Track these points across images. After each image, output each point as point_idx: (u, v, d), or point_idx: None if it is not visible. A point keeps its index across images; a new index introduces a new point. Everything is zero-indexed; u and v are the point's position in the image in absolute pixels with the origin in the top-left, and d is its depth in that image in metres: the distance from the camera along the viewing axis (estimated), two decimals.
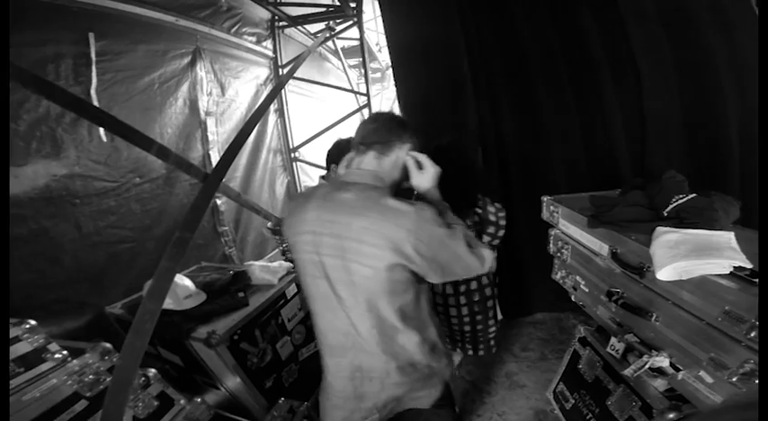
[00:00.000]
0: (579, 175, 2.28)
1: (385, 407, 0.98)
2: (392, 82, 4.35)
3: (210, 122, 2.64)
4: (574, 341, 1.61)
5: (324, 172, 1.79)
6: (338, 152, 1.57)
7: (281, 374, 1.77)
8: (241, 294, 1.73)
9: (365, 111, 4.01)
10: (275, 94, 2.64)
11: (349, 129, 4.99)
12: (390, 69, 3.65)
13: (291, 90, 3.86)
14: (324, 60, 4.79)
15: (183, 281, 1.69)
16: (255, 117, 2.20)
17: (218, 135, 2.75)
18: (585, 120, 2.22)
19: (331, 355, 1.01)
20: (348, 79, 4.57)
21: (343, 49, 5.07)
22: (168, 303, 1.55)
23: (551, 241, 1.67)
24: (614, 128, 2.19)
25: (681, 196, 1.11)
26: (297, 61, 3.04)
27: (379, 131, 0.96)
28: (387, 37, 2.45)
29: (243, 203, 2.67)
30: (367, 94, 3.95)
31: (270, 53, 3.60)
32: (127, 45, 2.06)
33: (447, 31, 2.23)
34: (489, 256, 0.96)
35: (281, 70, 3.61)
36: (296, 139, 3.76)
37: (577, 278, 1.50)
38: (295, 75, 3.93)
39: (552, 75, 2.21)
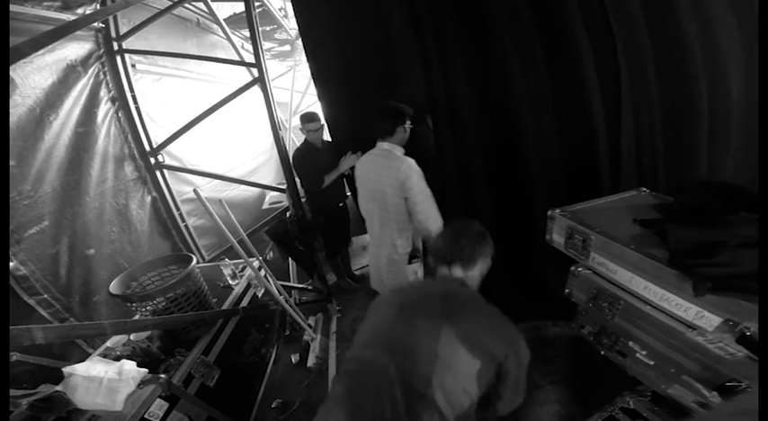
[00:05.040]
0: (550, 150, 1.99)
1: None
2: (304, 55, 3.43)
3: None
4: (612, 408, 1.34)
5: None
6: None
7: None
8: None
9: (258, 86, 3.04)
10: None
11: (241, 108, 3.94)
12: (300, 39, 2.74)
13: (146, 70, 2.84)
14: (207, 32, 3.75)
15: None
16: None
17: None
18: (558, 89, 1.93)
19: None
20: (237, 51, 3.56)
21: (234, 15, 4.05)
22: None
23: (573, 283, 1.29)
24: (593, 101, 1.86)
25: None
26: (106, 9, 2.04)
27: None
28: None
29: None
30: (258, 65, 2.97)
31: (95, 23, 2.57)
32: None
33: None
34: None
35: (116, 44, 2.59)
36: (161, 136, 2.75)
37: (630, 344, 1.18)
38: (150, 49, 2.97)
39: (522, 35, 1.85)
